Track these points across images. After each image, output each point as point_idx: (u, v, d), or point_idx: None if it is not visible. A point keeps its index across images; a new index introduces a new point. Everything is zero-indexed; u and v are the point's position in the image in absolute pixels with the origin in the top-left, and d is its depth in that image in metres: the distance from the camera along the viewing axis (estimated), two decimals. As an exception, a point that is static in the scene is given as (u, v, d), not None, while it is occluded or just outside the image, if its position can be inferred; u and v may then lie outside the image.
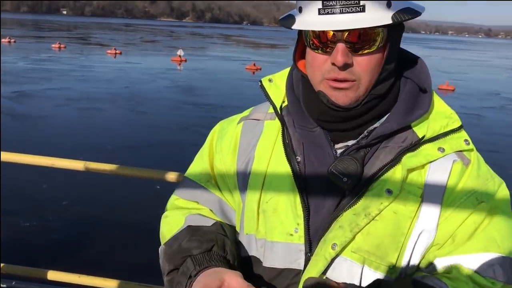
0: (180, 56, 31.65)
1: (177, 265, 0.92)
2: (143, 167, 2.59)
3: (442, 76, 30.07)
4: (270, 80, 1.06)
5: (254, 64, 28.23)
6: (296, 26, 0.89)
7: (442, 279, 0.85)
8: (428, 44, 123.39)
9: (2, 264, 2.47)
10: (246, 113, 1.12)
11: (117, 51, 35.21)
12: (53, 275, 2.45)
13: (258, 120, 1.06)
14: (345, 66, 0.86)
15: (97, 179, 6.81)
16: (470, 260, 0.87)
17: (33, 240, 5.95)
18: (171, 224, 1.04)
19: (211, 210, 1.07)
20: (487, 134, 14.59)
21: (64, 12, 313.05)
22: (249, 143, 1.04)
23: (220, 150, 1.08)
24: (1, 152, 2.35)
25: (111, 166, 2.39)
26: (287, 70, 1.06)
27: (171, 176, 2.16)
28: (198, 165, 1.12)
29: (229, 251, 0.95)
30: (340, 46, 0.85)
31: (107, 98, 17.02)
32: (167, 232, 1.02)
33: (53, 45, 37.70)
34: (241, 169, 1.03)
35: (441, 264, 0.89)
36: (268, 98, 1.04)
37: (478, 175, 0.92)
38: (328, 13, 0.84)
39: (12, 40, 40.54)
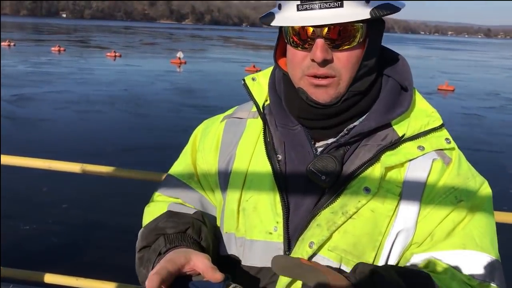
0: (179, 58, 31.62)
1: (149, 242, 0.92)
2: (142, 169, 2.59)
3: (442, 76, 30.13)
4: (253, 79, 1.06)
5: (254, 66, 28.11)
6: (275, 22, 0.90)
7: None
8: (427, 44, 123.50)
9: (0, 268, 2.47)
10: (230, 111, 1.12)
11: (116, 54, 35.17)
12: (51, 278, 2.45)
13: (241, 118, 1.06)
14: (325, 62, 0.85)
15: (97, 182, 6.79)
16: (447, 256, 0.86)
17: (32, 243, 5.94)
18: (153, 213, 1.03)
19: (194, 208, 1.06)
20: (487, 134, 14.60)
21: (64, 15, 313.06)
22: (231, 141, 1.04)
23: (202, 148, 1.08)
24: (1, 156, 2.35)
25: (108, 168, 2.40)
26: (271, 68, 1.06)
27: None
28: (181, 164, 1.12)
29: (204, 237, 0.94)
30: (319, 42, 0.85)
31: (106, 100, 17.02)
32: (149, 220, 1.01)
33: (52, 48, 37.69)
34: (222, 167, 1.03)
35: (418, 260, 0.88)
36: (251, 96, 1.04)
37: (458, 173, 0.91)
38: (306, 9, 0.84)
39: (12, 44, 40.57)
